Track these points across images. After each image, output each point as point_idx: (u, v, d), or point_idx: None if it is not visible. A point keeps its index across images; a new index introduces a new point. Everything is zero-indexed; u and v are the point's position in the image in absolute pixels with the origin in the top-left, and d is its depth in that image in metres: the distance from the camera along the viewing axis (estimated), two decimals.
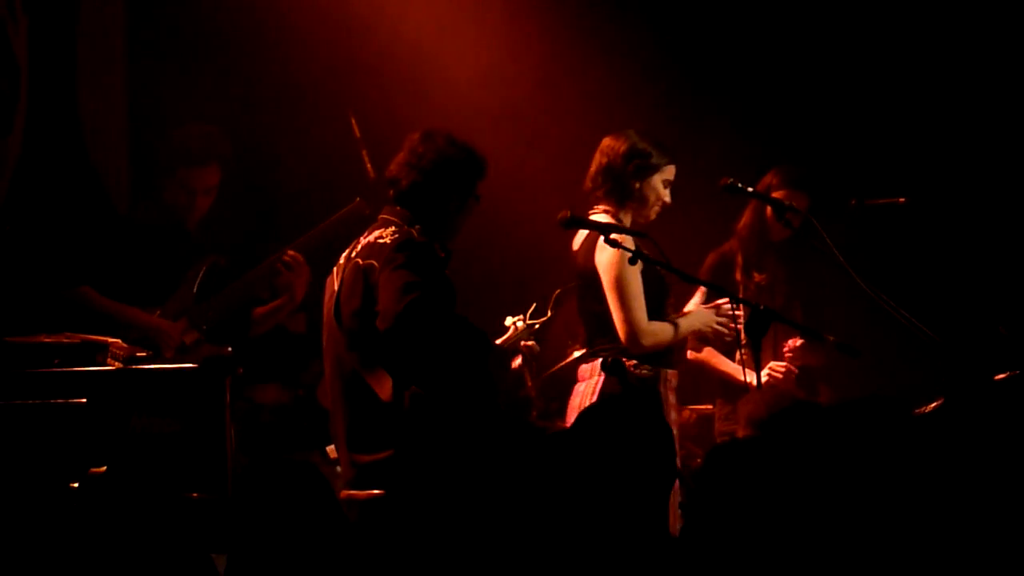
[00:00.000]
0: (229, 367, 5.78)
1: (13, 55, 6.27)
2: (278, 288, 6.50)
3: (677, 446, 5.97)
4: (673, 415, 6.16)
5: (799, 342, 6.82)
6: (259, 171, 7.77)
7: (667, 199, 6.20)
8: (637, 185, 6.15)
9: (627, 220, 6.19)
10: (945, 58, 8.01)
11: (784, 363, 6.85)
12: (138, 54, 7.51)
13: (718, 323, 6.18)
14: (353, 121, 7.06)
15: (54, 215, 6.28)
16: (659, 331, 6.10)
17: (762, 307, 5.82)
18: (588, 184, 6.23)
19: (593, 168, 6.23)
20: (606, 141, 6.24)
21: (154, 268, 6.31)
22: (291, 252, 6.45)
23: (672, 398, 6.18)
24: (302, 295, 6.52)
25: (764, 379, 6.47)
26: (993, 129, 7.95)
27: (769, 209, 6.84)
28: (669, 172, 6.20)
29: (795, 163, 7.05)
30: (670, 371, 6.18)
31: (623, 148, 6.17)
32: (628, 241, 5.95)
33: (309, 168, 7.92)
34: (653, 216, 6.21)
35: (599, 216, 6.15)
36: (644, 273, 6.06)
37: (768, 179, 6.96)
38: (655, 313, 6.11)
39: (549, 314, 6.28)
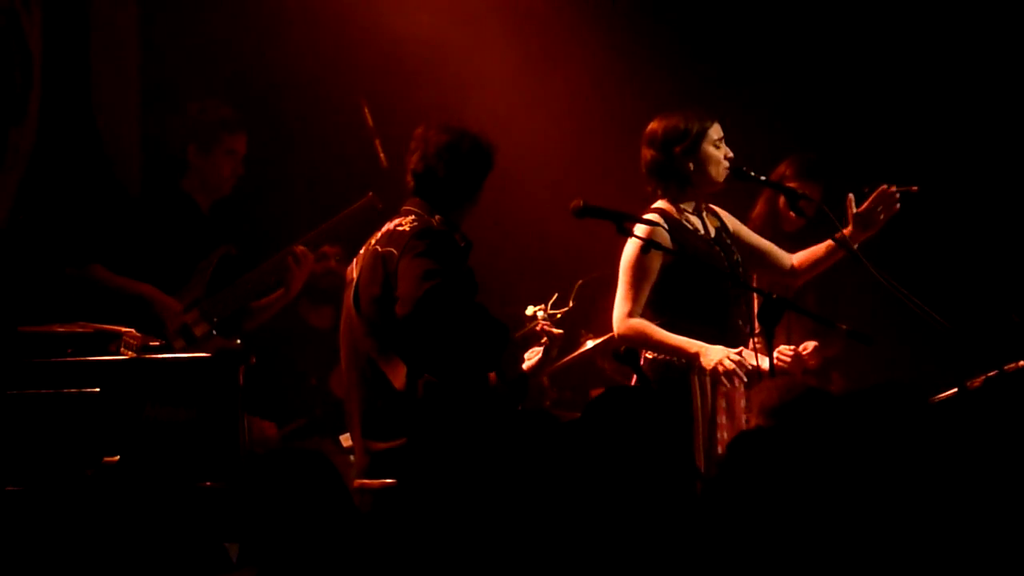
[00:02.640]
0: (242, 357, 5.79)
1: (27, 45, 6.28)
2: (284, 281, 6.50)
3: (723, 435, 5.93)
4: (721, 403, 5.94)
5: (811, 347, 6.80)
6: (272, 160, 7.77)
7: (729, 154, 6.03)
8: (692, 165, 6.05)
9: (695, 201, 6.07)
10: (958, 44, 8.00)
11: (793, 347, 6.82)
12: (151, 43, 7.51)
13: (729, 361, 5.85)
14: (366, 110, 7.06)
15: (67, 199, 6.29)
16: (638, 328, 5.90)
17: (775, 296, 5.77)
18: (648, 188, 6.12)
19: (643, 169, 6.09)
20: (644, 137, 6.07)
21: (169, 254, 6.31)
22: (300, 248, 6.45)
23: (718, 388, 5.93)
24: (297, 290, 6.51)
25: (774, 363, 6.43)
26: (1007, 118, 7.93)
27: (782, 198, 6.82)
28: (715, 132, 6.03)
29: (808, 152, 7.04)
30: None
31: (660, 136, 6.02)
32: (643, 231, 5.89)
33: (321, 157, 7.92)
34: (723, 177, 6.01)
35: (658, 206, 6.06)
36: (671, 268, 5.97)
37: (781, 169, 6.95)
38: (693, 311, 5.91)
39: (571, 304, 6.27)
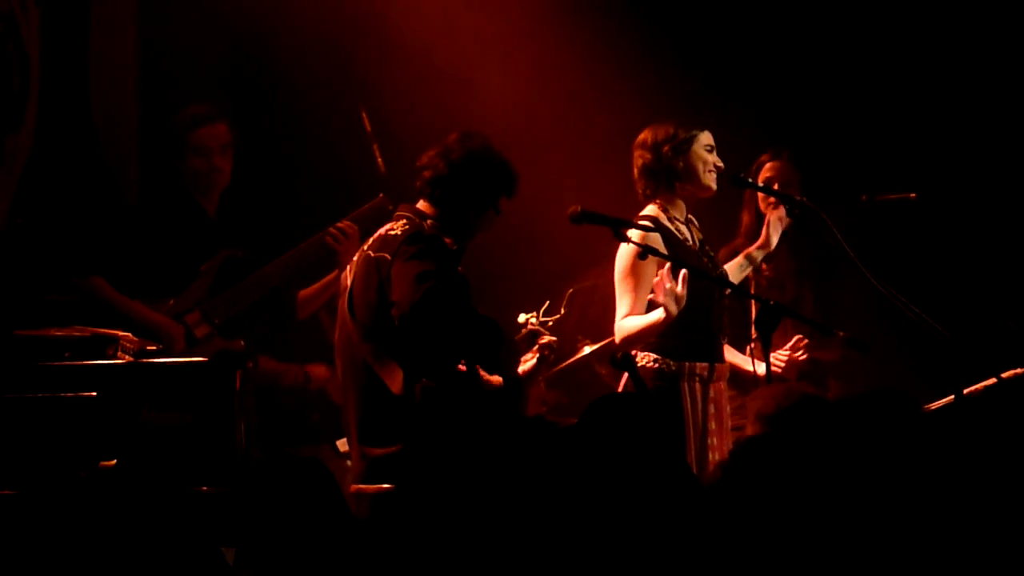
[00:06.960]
0: (240, 361, 5.78)
1: (24, 48, 6.28)
2: (319, 264, 6.38)
3: (712, 441, 5.93)
4: (711, 409, 5.96)
5: (803, 342, 6.78)
6: (272, 166, 7.78)
7: (718, 163, 6.06)
8: (681, 164, 6.05)
9: (684, 207, 6.09)
10: (955, 51, 8.00)
11: (788, 352, 6.79)
12: (150, 47, 7.51)
13: (664, 297, 5.82)
14: (364, 116, 7.04)
15: (67, 206, 6.26)
16: (626, 327, 5.91)
17: (772, 302, 5.76)
18: (638, 190, 6.14)
19: (635, 173, 6.11)
20: (635, 143, 6.12)
21: (171, 259, 6.25)
22: (345, 221, 6.37)
23: (706, 392, 5.96)
24: None
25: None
26: (1003, 125, 7.94)
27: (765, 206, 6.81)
28: (706, 138, 6.06)
29: (803, 158, 7.03)
30: (700, 364, 5.95)
31: (651, 139, 6.05)
32: (638, 236, 5.88)
33: (320, 163, 7.92)
34: (712, 183, 6.04)
35: (648, 212, 6.08)
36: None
37: (758, 161, 6.93)
38: (680, 317, 5.84)
39: (563, 311, 6.27)
